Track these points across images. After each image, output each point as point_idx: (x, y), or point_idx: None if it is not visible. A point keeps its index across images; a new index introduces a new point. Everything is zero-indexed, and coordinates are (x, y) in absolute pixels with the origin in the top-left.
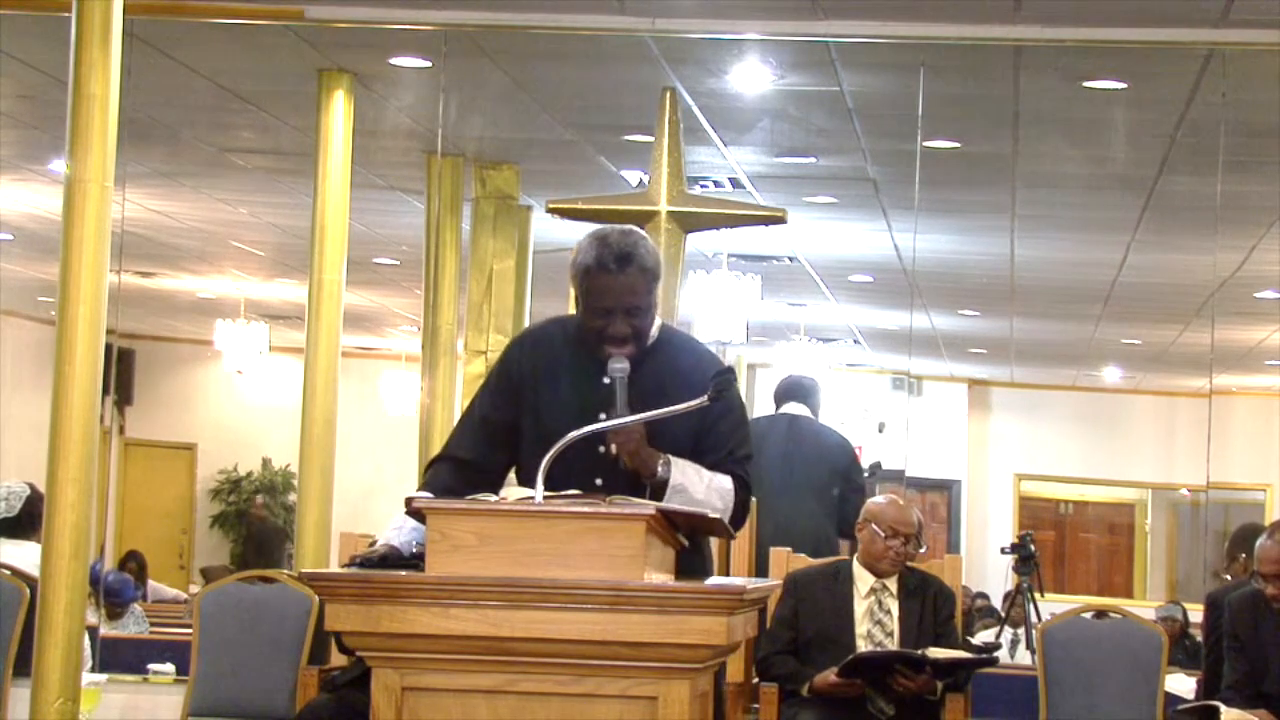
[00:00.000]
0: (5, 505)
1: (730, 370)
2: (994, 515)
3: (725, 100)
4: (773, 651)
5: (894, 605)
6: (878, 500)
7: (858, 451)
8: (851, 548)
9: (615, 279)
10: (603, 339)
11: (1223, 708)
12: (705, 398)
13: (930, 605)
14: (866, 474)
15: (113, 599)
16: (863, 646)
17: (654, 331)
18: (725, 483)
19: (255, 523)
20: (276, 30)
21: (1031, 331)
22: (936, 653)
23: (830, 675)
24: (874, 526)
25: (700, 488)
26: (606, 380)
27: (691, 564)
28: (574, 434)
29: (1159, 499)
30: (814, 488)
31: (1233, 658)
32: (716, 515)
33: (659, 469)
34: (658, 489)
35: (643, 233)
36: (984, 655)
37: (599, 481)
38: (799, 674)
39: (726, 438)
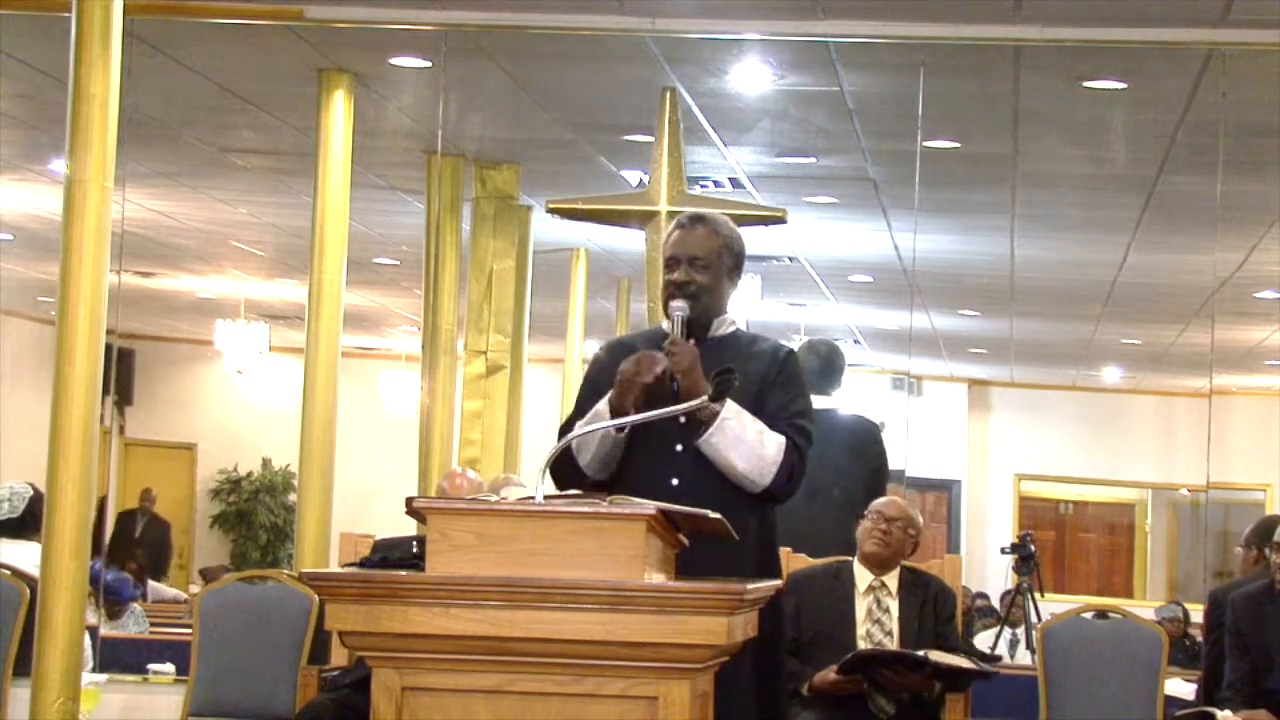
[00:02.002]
0: (9, 506)
1: (730, 371)
2: (994, 515)
3: (725, 100)
4: None
5: (892, 604)
6: (880, 500)
7: (879, 427)
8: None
9: (685, 233)
10: (669, 289)
11: (1218, 713)
12: (706, 397)
13: (930, 605)
14: None
15: (111, 597)
16: (862, 647)
17: (728, 326)
18: (778, 437)
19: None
20: (276, 30)
21: (1031, 331)
22: (939, 656)
23: (830, 674)
24: (867, 514)
25: (751, 431)
26: (673, 317)
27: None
28: (575, 433)
29: (1159, 499)
30: (837, 491)
31: (1234, 656)
32: (768, 464)
33: (728, 408)
34: (706, 419)
35: (727, 219)
36: (984, 667)
37: (675, 482)
38: (799, 673)
39: (781, 402)
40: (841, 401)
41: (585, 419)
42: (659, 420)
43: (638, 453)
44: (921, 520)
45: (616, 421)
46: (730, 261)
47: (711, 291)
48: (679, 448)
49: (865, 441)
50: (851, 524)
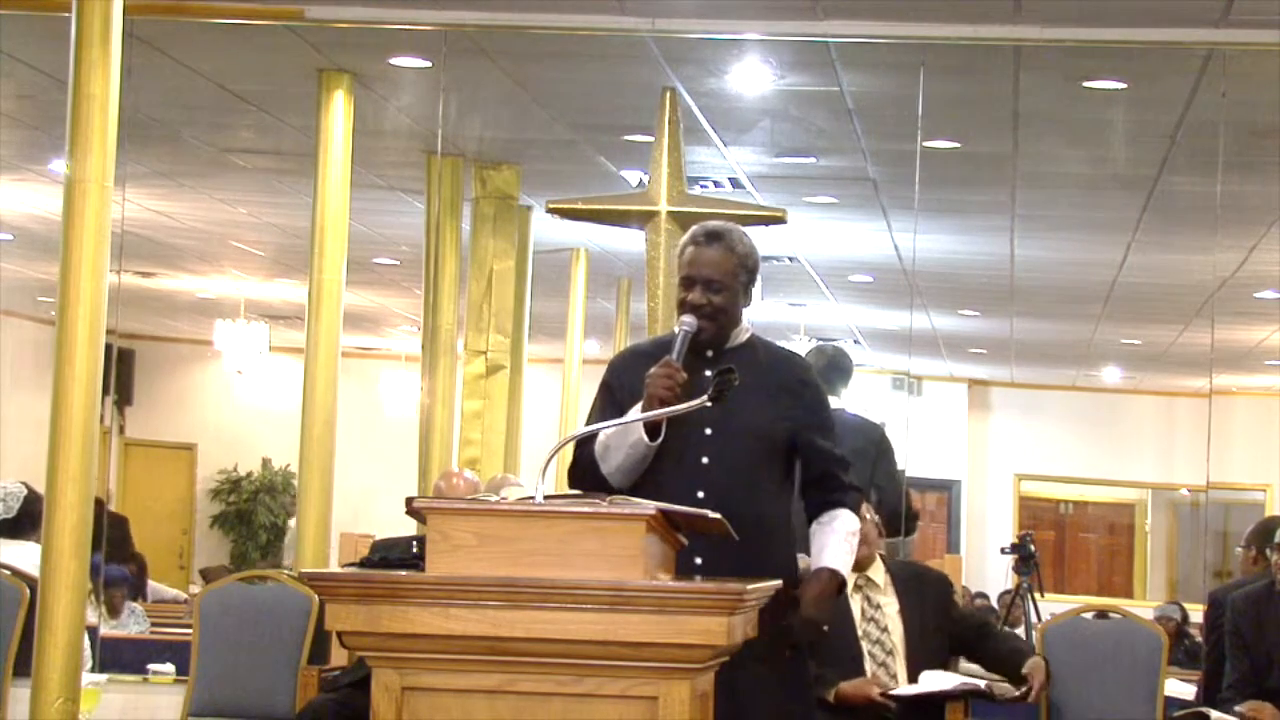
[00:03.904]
0: (3, 506)
1: (730, 371)
2: (994, 515)
3: (725, 100)
4: None
5: (884, 601)
6: None
7: (886, 434)
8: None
9: (701, 251)
10: (683, 308)
11: (1212, 713)
12: (705, 398)
13: (931, 600)
14: None
15: (110, 587)
16: (863, 646)
17: (744, 335)
18: (850, 523)
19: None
20: (276, 30)
21: (1031, 331)
22: (1001, 689)
23: (872, 690)
24: None
25: (845, 553)
26: (680, 331)
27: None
28: (587, 429)
29: (1159, 499)
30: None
31: (1235, 656)
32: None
33: (844, 582)
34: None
35: (745, 230)
36: (1019, 644)
37: (700, 494)
38: (820, 678)
39: (821, 449)
40: (845, 401)
41: (613, 425)
42: (684, 433)
43: (663, 465)
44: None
45: (626, 420)
46: (745, 278)
47: (726, 311)
48: (705, 460)
49: (863, 444)
50: None
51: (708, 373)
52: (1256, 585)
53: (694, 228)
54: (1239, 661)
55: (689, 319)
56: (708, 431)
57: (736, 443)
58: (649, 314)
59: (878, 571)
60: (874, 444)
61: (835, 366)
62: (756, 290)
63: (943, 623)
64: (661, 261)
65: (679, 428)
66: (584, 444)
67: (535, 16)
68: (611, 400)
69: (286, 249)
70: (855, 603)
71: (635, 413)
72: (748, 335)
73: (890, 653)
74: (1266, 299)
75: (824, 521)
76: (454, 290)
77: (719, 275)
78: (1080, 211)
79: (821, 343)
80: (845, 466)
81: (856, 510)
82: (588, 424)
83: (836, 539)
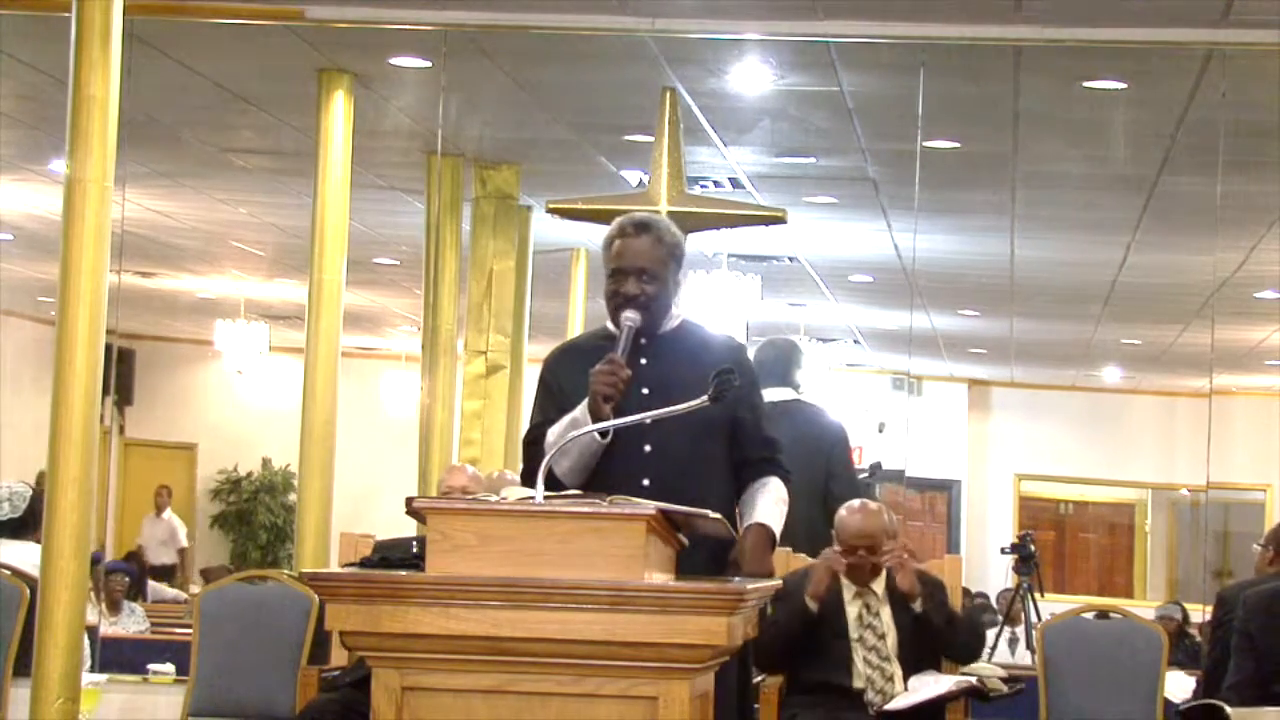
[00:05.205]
0: (10, 506)
1: (730, 371)
2: (994, 515)
3: (725, 100)
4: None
5: (884, 610)
6: (843, 510)
7: (846, 432)
8: None
9: (631, 242)
10: (617, 300)
11: (1228, 707)
12: (705, 398)
13: (927, 605)
14: (866, 474)
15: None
16: (857, 651)
17: (674, 320)
18: (780, 490)
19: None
20: (276, 30)
21: (1031, 331)
22: (993, 684)
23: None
24: (836, 541)
25: (778, 515)
26: (624, 327)
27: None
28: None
29: (1159, 499)
30: (807, 484)
31: (1240, 655)
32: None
33: (775, 535)
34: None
35: (670, 220)
36: (1015, 685)
37: (646, 482)
38: (789, 596)
39: (753, 429)
40: (802, 393)
41: (561, 425)
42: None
43: (607, 456)
44: (891, 517)
45: (608, 424)
46: (674, 267)
47: (660, 299)
48: (647, 448)
49: (818, 441)
50: (816, 516)
51: (643, 361)
52: (1272, 585)
53: (618, 220)
54: (1244, 661)
55: (632, 314)
56: (648, 420)
57: (677, 428)
58: None
59: (878, 581)
60: (829, 434)
61: (788, 359)
62: (756, 289)
63: (938, 628)
64: (607, 268)
65: (622, 433)
66: (533, 446)
67: (535, 16)
68: (551, 398)
69: (286, 249)
70: (854, 608)
71: (583, 409)
72: (678, 321)
73: (886, 658)
74: (1266, 299)
75: (754, 488)
76: (454, 290)
77: (650, 265)
78: (1080, 211)
79: (774, 337)
80: (775, 446)
81: (787, 484)
82: (532, 422)
83: (767, 499)
